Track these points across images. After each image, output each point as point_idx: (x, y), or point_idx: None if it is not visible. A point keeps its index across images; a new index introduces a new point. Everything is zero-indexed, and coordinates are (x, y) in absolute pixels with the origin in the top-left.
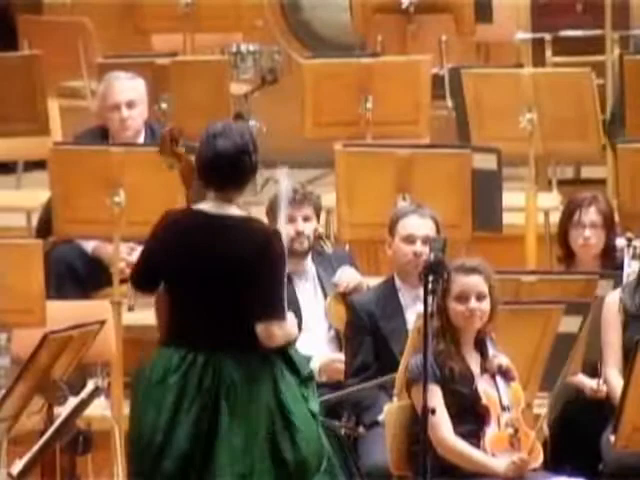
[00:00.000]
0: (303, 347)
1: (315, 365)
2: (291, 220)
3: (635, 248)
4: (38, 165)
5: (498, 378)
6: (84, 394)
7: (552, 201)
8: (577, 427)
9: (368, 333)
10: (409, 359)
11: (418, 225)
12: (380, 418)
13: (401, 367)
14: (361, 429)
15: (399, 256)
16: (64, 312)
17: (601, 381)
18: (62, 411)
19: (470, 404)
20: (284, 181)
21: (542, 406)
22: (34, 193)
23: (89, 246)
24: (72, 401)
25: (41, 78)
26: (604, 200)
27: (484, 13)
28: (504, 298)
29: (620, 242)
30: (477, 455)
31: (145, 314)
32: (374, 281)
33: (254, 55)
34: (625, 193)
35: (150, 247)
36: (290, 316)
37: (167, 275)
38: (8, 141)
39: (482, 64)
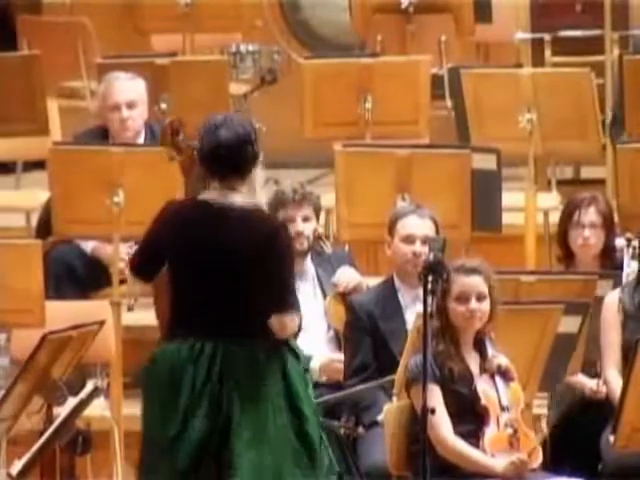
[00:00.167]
0: (303, 347)
1: (315, 365)
2: (291, 220)
3: (634, 248)
4: (37, 165)
5: (497, 378)
6: (83, 394)
7: (551, 201)
8: (576, 427)
9: (367, 333)
10: (408, 359)
11: (417, 225)
12: (379, 418)
13: (400, 367)
14: (360, 429)
15: (398, 256)
16: (63, 312)
17: (601, 381)
18: (61, 411)
19: (469, 404)
20: None
21: (542, 406)
22: (33, 193)
23: (88, 246)
24: (71, 401)
25: (40, 78)
26: (603, 200)
27: (484, 13)
28: (503, 298)
29: (619, 242)
30: (476, 455)
31: (144, 314)
32: (373, 281)
33: (253, 55)
34: (625, 193)
35: (153, 235)
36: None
37: (172, 264)
38: (7, 141)
39: (482, 64)
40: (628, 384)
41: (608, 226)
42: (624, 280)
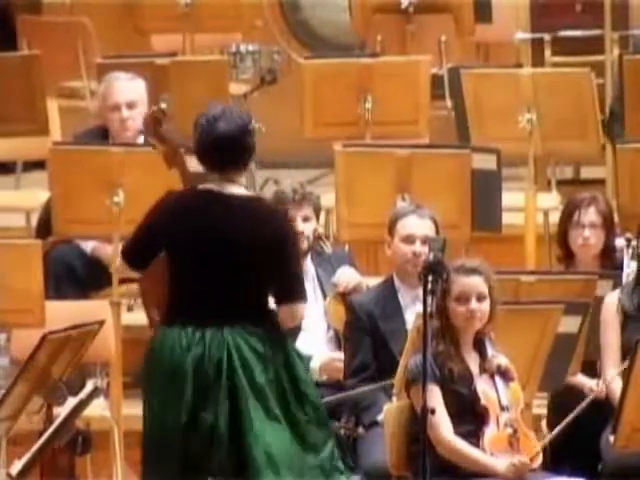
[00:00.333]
0: (303, 347)
1: (315, 364)
2: (290, 220)
3: (634, 248)
4: (37, 165)
5: (497, 378)
6: (83, 394)
7: (551, 201)
8: (577, 427)
9: (367, 333)
10: (408, 359)
11: (417, 225)
12: (379, 418)
13: (400, 367)
14: (360, 429)
15: (398, 256)
16: (63, 312)
17: (600, 381)
18: (61, 411)
19: (469, 404)
20: None
21: (541, 406)
22: (33, 193)
23: (88, 246)
24: (71, 401)
25: (40, 78)
26: (603, 200)
27: (484, 13)
28: (503, 298)
29: (619, 242)
30: (477, 455)
31: (144, 314)
32: (373, 281)
33: (253, 55)
34: (624, 193)
35: (150, 224)
36: None
37: (171, 253)
38: (7, 141)
39: (482, 64)
40: (628, 384)
41: (608, 226)
42: (624, 280)
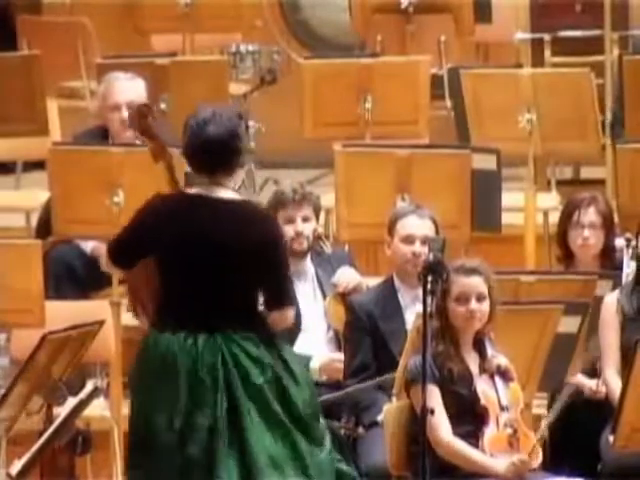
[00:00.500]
0: (302, 347)
1: (315, 365)
2: (290, 221)
3: (634, 248)
4: (37, 165)
5: (497, 378)
6: (83, 394)
7: (551, 201)
8: (576, 427)
9: (367, 333)
10: (408, 359)
11: (417, 225)
12: (379, 418)
13: (400, 367)
14: (360, 429)
15: (398, 256)
16: (63, 312)
17: (600, 381)
18: (61, 411)
19: (469, 404)
20: None
21: (541, 406)
22: (33, 193)
23: (88, 246)
24: (71, 401)
25: (40, 78)
26: (603, 200)
27: (483, 13)
28: (503, 298)
29: (619, 242)
30: (476, 455)
31: None
32: (373, 281)
33: (253, 55)
34: (624, 193)
35: (137, 226)
36: None
37: (159, 256)
38: (7, 141)
39: (481, 64)
40: (627, 385)
41: (608, 226)
42: (624, 280)
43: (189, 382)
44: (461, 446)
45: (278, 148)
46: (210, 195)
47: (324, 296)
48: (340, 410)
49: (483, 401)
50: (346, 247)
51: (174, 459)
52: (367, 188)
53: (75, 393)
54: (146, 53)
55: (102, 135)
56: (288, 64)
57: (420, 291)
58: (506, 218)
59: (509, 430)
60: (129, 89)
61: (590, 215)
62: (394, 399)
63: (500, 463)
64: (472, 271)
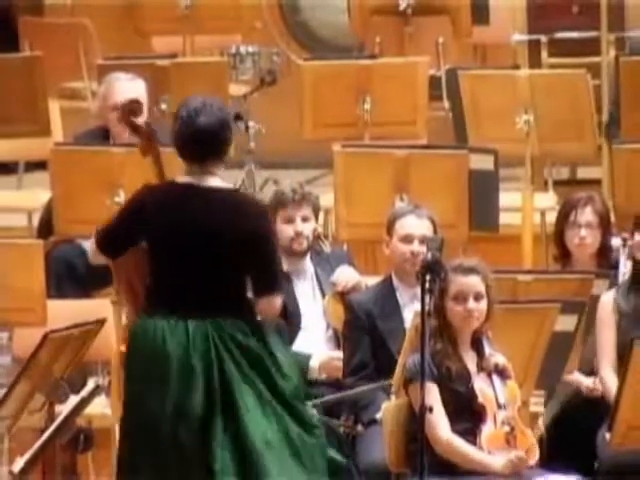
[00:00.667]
0: (302, 345)
1: (314, 363)
2: (290, 220)
3: (630, 247)
4: (39, 166)
5: (494, 376)
6: (85, 392)
7: (548, 201)
8: (573, 425)
9: (366, 332)
10: (407, 358)
11: (415, 225)
12: (378, 416)
13: (399, 366)
14: (359, 427)
15: (397, 255)
16: (65, 311)
17: (597, 379)
18: (63, 409)
19: (466, 402)
20: None
21: (538, 404)
22: (35, 193)
23: (89, 246)
24: (73, 399)
25: (42, 79)
26: (600, 200)
27: (481, 15)
28: (501, 297)
29: (616, 242)
30: (474, 453)
31: None
32: (372, 280)
33: (253, 56)
34: (620, 193)
35: (126, 215)
36: None
37: (150, 245)
38: (9, 142)
39: (479, 65)
40: (624, 383)
41: (604, 226)
42: (620, 279)
43: (180, 368)
44: (459, 443)
45: (278, 149)
46: (201, 184)
47: (323, 295)
48: (339, 408)
49: (481, 399)
50: (345, 246)
51: (167, 443)
52: (366, 188)
53: (77, 391)
54: (147, 54)
55: (103, 135)
56: (287, 65)
57: (418, 290)
58: (504, 218)
59: (506, 428)
60: (130, 89)
61: (587, 215)
62: (393, 397)
63: (498, 460)
64: (470, 270)
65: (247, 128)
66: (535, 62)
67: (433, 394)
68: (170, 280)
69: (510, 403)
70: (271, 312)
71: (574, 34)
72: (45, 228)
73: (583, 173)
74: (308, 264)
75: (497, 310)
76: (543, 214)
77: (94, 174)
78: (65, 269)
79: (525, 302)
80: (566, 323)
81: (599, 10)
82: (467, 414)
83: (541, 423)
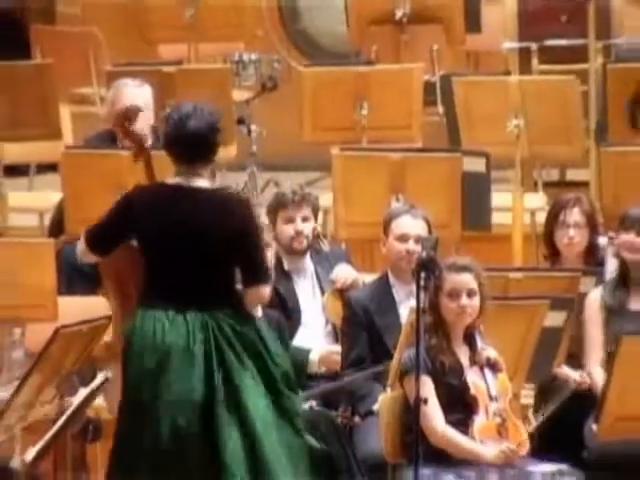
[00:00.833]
0: (302, 341)
1: (314, 357)
2: (291, 220)
3: (617, 246)
4: (50, 168)
5: (486, 370)
6: (94, 385)
7: (538, 202)
8: (562, 417)
9: (364, 328)
10: (402, 352)
11: (411, 225)
12: (375, 408)
13: (394, 360)
14: (357, 418)
15: (393, 254)
16: (74, 307)
17: (585, 373)
18: (73, 401)
19: (459, 394)
20: None
21: (529, 397)
22: (46, 194)
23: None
24: (82, 391)
25: (53, 85)
26: (587, 201)
27: (473, 23)
28: (493, 294)
29: (602, 241)
30: (467, 443)
31: None
32: (369, 278)
33: (255, 63)
34: (608, 195)
35: (115, 215)
36: None
37: (143, 245)
38: (22, 145)
39: (472, 72)
40: (611, 377)
41: (591, 225)
42: (607, 277)
43: (180, 357)
44: (453, 434)
45: (278, 151)
46: (189, 185)
47: (323, 292)
48: (337, 400)
49: (473, 391)
50: (343, 245)
51: (166, 436)
52: (363, 189)
53: (86, 384)
54: (153, 61)
55: (111, 139)
56: (288, 72)
57: (414, 287)
58: (495, 218)
59: (498, 419)
60: (137, 95)
61: (575, 215)
62: (389, 389)
63: (490, 450)
64: (463, 268)
65: (249, 132)
66: (525, 69)
67: (428, 387)
68: (163, 276)
69: (501, 395)
70: (259, 301)
71: (563, 42)
72: (56, 228)
73: (572, 175)
74: (308, 262)
75: (489, 306)
76: (533, 214)
77: (103, 176)
78: (75, 267)
79: (516, 298)
80: (555, 319)
81: (587, 19)
82: (460, 406)
83: (532, 417)
